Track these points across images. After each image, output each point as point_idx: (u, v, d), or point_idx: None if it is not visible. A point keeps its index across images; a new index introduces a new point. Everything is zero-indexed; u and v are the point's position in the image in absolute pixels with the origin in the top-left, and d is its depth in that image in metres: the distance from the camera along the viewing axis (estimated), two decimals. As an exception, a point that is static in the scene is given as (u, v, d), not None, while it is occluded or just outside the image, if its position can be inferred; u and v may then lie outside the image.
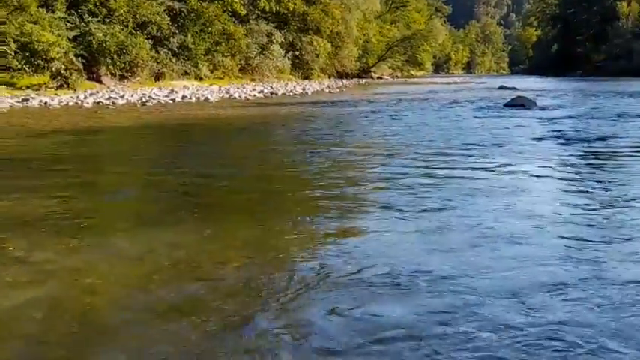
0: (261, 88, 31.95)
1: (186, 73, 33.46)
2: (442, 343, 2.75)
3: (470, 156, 8.41)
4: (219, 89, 29.07)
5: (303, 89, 32.84)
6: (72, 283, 3.57)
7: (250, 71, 40.86)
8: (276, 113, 17.69)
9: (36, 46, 22.59)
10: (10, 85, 22.17)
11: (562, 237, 4.37)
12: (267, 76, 41.62)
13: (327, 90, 34.43)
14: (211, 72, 35.94)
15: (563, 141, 10.12)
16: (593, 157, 8.50)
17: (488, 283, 3.47)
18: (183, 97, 23.82)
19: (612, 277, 3.57)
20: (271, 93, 28.84)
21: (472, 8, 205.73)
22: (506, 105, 18.45)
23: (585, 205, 5.39)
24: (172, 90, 26.56)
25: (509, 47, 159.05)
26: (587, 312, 3.08)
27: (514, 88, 30.63)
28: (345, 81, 50.26)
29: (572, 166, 7.73)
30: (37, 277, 3.63)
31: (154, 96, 23.25)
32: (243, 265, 3.86)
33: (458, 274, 3.60)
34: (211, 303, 3.26)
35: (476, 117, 14.90)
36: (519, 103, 18.30)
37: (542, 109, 17.30)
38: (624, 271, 3.66)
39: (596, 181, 6.57)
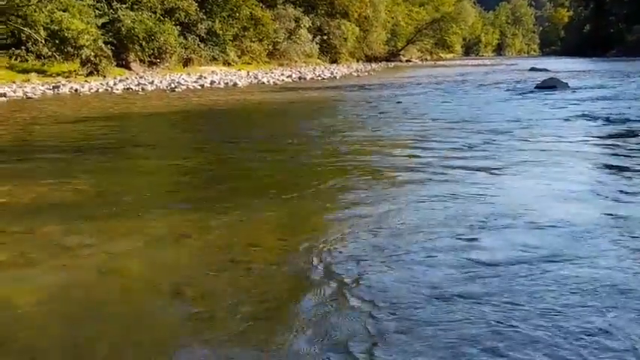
0: (290, 72, 31.89)
1: (214, 58, 33.53)
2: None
3: (501, 137, 8.26)
4: (248, 74, 29.09)
5: (332, 73, 32.71)
6: (106, 266, 3.55)
7: (278, 56, 40.83)
8: (305, 98, 17.61)
9: (66, 34, 22.78)
10: (41, 72, 22.41)
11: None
12: (295, 61, 41.56)
13: (356, 74, 34.25)
14: (239, 57, 35.98)
15: (594, 122, 9.89)
16: (626, 136, 8.27)
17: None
18: (212, 82, 23.85)
19: None
20: (299, 78, 28.76)
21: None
22: (538, 87, 18.15)
23: (619, 184, 5.25)
24: (201, 76, 26.62)
25: (540, 28, 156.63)
26: None
27: (545, 70, 30.10)
28: (373, 65, 49.99)
29: (605, 146, 7.55)
30: (72, 261, 3.63)
31: (182, 82, 23.32)
32: (275, 247, 3.82)
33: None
34: (244, 286, 3.22)
35: (506, 99, 14.67)
36: (550, 85, 17.98)
37: (574, 90, 16.97)
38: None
39: (629, 161, 6.40)
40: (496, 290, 3.04)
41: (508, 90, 17.92)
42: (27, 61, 22.53)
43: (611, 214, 4.34)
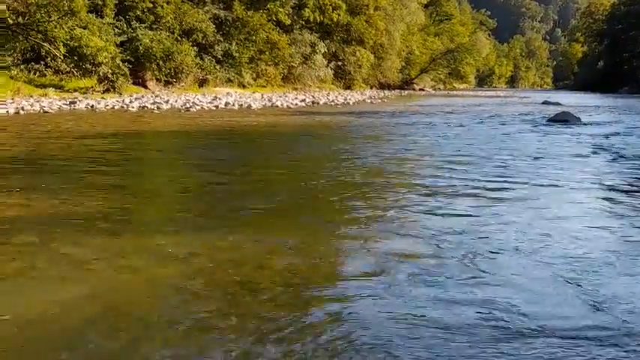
0: (303, 97, 32.07)
1: (229, 80, 33.80)
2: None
3: (511, 169, 8.29)
4: (262, 97, 29.27)
5: (345, 99, 32.86)
6: (115, 281, 3.61)
7: (293, 80, 41.10)
8: (318, 122, 17.71)
9: (84, 51, 23.09)
10: (59, 87, 22.69)
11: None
12: (310, 86, 41.82)
13: (369, 101, 34.39)
14: (254, 80, 36.25)
15: (606, 157, 9.92)
16: (635, 174, 8.29)
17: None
18: (227, 104, 24.03)
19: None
20: (313, 102, 28.91)
21: (517, 22, 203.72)
22: (550, 120, 18.21)
23: (627, 221, 5.28)
24: (216, 97, 26.84)
25: (554, 62, 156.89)
26: None
27: (558, 104, 30.18)
28: (386, 92, 50.25)
29: (615, 182, 7.56)
30: (82, 275, 3.67)
31: (197, 102, 23.51)
32: (284, 269, 3.84)
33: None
34: (252, 307, 3.25)
35: (519, 132, 14.70)
36: (563, 119, 18.03)
37: (587, 125, 17.01)
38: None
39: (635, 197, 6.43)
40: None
41: (521, 122, 17.97)
42: (45, 76, 22.85)
43: (620, 252, 4.38)
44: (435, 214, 5.39)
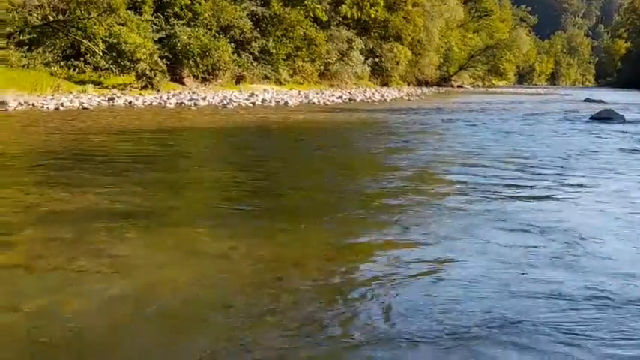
0: (340, 93, 31.96)
1: (266, 77, 33.84)
2: None
3: (554, 168, 8.09)
4: (299, 94, 29.24)
5: (382, 96, 32.67)
6: (153, 278, 3.58)
7: (329, 77, 41.01)
8: (354, 119, 17.59)
9: (123, 47, 23.33)
10: (98, 83, 22.93)
11: None
12: (346, 82, 41.69)
13: (406, 97, 34.15)
14: (291, 76, 36.24)
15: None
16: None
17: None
18: (263, 100, 24.02)
19: None
20: (350, 99, 28.80)
21: (559, 18, 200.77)
22: (592, 118, 17.79)
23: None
24: (252, 93, 26.86)
25: (596, 59, 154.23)
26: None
27: (600, 101, 29.55)
28: (424, 89, 49.86)
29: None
30: (120, 271, 3.66)
31: (234, 99, 23.55)
32: (322, 268, 3.78)
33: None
34: (290, 304, 3.20)
35: (560, 129, 14.41)
36: (606, 117, 17.59)
37: (630, 123, 16.58)
38: None
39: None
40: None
41: (562, 120, 17.63)
42: (84, 72, 23.10)
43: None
44: (472, 214, 5.24)
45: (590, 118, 17.75)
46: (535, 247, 4.26)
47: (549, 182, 6.96)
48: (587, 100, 32.32)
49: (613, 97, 36.46)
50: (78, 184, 6.32)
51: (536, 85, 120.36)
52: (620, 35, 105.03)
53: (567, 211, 5.42)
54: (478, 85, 72.12)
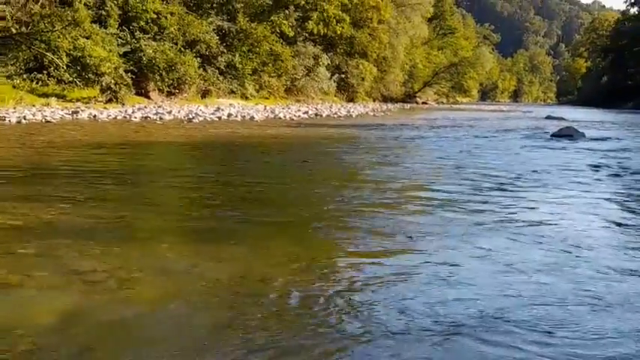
0: (306, 109, 32.04)
1: (232, 91, 33.79)
2: None
3: (515, 185, 8.20)
4: (265, 109, 29.25)
5: (348, 112, 32.83)
6: (117, 292, 3.54)
7: (296, 92, 41.12)
8: (320, 134, 17.63)
9: (87, 61, 23.12)
10: (61, 97, 22.65)
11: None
12: (312, 98, 41.83)
13: (372, 113, 34.36)
14: (257, 92, 36.23)
15: (609, 173, 9.79)
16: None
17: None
18: (229, 115, 23.97)
19: None
20: (316, 114, 28.89)
21: (521, 37, 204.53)
22: (554, 135, 18.07)
23: (626, 239, 5.17)
24: (218, 108, 26.78)
25: (558, 77, 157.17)
26: None
27: (561, 119, 30.10)
28: (389, 105, 50.23)
29: (618, 198, 7.46)
30: (83, 286, 3.60)
31: (200, 113, 23.44)
32: (288, 282, 3.75)
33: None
34: (255, 320, 3.17)
35: (522, 146, 14.58)
36: (567, 134, 17.90)
37: (591, 140, 16.89)
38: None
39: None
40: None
41: (525, 137, 17.85)
42: (48, 85, 22.78)
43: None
44: (431, 235, 5.28)
45: (551, 136, 18.03)
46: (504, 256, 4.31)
47: (519, 197, 7.05)
48: (548, 117, 32.88)
49: (574, 115, 37.11)
50: (40, 199, 6.21)
51: (499, 102, 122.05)
52: (581, 54, 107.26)
53: (536, 221, 5.50)
54: (442, 102, 72.91)
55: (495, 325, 3.16)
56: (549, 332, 3.08)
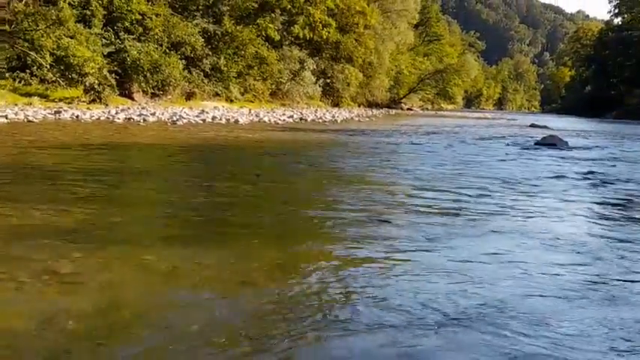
0: (291, 113, 31.99)
1: (217, 94, 33.68)
2: None
3: (496, 193, 8.21)
4: (250, 112, 29.15)
5: (333, 117, 32.80)
6: (98, 295, 3.51)
7: (281, 96, 41.06)
8: (305, 139, 17.61)
9: (71, 60, 22.93)
10: (44, 96, 22.43)
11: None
12: (298, 102, 41.78)
13: (357, 119, 34.37)
14: (242, 95, 36.13)
15: (593, 181, 9.84)
16: (623, 199, 8.20)
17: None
18: (214, 118, 23.87)
19: None
20: (301, 119, 28.84)
21: (506, 45, 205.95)
22: (538, 143, 18.17)
23: (606, 248, 5.18)
24: (203, 110, 26.67)
25: (542, 86, 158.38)
26: None
27: (545, 127, 30.32)
28: (374, 110, 50.30)
29: (602, 206, 7.51)
30: (64, 289, 3.57)
31: (184, 115, 23.31)
32: (268, 287, 3.74)
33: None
34: (235, 324, 3.15)
35: (507, 154, 14.63)
36: (550, 142, 18.00)
37: (574, 149, 17.00)
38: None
39: (624, 222, 6.34)
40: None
41: (508, 145, 17.92)
42: (30, 84, 22.56)
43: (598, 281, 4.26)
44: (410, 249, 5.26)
45: (535, 144, 18.12)
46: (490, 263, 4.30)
47: (502, 204, 7.06)
48: (532, 125, 33.09)
49: (557, 124, 37.39)
50: (21, 200, 6.13)
51: (483, 109, 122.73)
52: (565, 63, 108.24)
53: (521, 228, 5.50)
54: (427, 108, 73.16)
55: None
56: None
